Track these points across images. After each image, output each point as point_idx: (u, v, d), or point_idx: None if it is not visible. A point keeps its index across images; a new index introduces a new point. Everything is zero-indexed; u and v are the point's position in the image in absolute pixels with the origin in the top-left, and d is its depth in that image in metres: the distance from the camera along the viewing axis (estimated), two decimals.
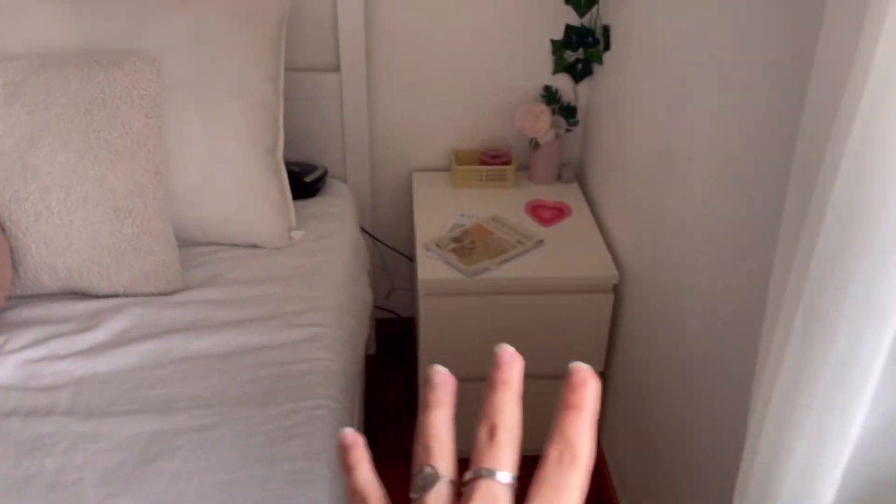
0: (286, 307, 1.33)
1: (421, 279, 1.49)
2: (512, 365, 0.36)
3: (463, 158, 1.86)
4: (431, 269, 1.51)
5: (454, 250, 1.54)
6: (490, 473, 0.33)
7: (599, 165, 1.74)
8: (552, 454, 0.33)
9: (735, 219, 1.07)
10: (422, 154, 1.89)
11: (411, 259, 1.93)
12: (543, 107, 1.74)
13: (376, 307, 2.11)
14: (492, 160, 1.81)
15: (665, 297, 1.34)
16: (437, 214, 1.70)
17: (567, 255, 1.55)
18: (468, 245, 1.56)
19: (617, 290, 1.55)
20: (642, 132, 1.45)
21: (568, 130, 1.81)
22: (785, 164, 0.87)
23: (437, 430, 0.35)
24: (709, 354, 1.18)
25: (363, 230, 1.89)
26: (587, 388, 0.36)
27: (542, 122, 1.73)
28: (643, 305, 1.45)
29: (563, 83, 1.80)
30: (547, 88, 1.79)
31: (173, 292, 1.35)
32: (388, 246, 1.99)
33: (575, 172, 1.87)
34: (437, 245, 1.56)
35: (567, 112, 1.79)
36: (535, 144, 1.78)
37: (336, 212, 1.66)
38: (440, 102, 1.82)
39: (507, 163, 1.81)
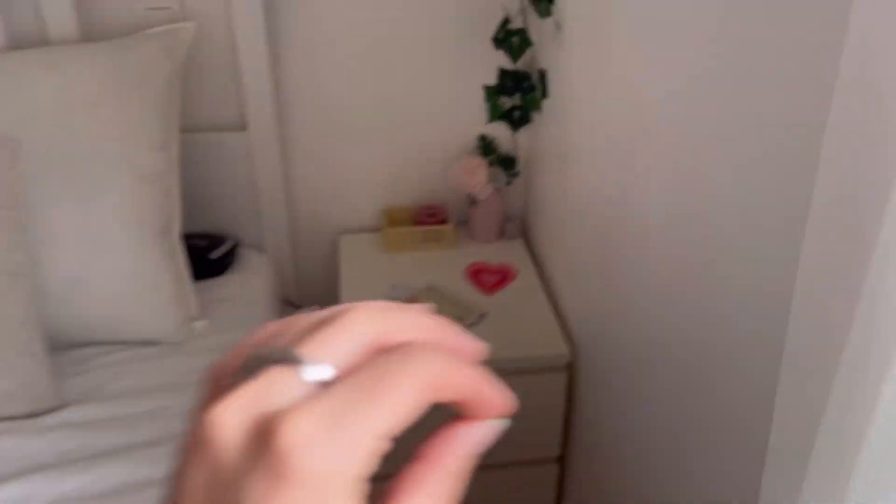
0: (182, 424, 1.11)
1: None
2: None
3: (396, 217, 1.67)
4: None
5: None
6: (289, 356, 0.22)
7: (545, 221, 1.57)
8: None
9: (710, 295, 0.91)
10: (349, 215, 1.70)
11: None
12: (479, 160, 1.57)
13: None
14: (428, 219, 1.62)
15: (626, 377, 1.17)
16: (366, 286, 1.50)
17: (512, 329, 1.37)
18: None
19: (570, 369, 1.37)
20: (590, 184, 1.28)
21: (508, 183, 1.64)
22: (779, 228, 0.70)
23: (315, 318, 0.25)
24: (680, 445, 1.00)
25: (288, 302, 1.68)
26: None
27: (478, 176, 1.55)
28: (601, 385, 1.28)
29: (500, 132, 1.63)
30: (482, 138, 1.62)
31: (45, 412, 1.12)
32: None
33: (519, 227, 1.70)
34: None
35: (506, 163, 1.62)
36: (472, 201, 1.61)
37: (249, 292, 1.45)
38: (367, 157, 1.63)
39: (443, 221, 1.63)
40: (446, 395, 0.24)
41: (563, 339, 1.35)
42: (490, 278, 1.52)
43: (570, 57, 1.33)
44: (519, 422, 1.37)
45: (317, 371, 0.22)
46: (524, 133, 1.64)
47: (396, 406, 0.22)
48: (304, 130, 1.58)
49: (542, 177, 1.57)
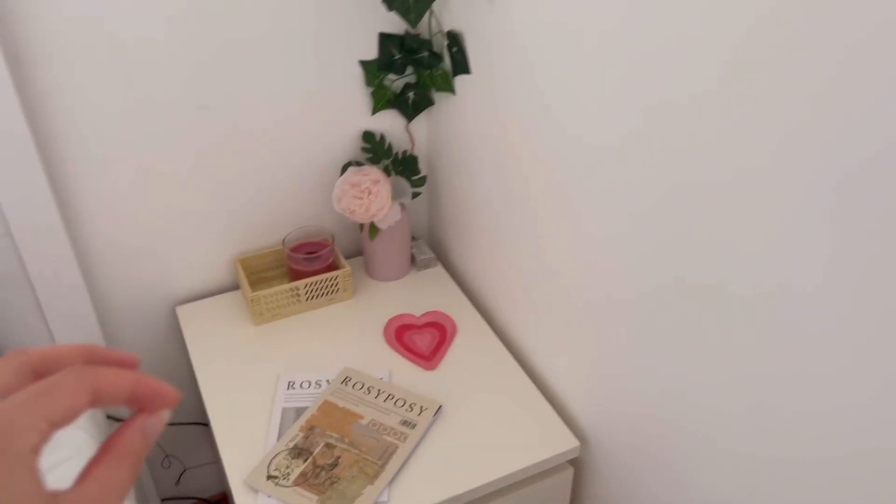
0: None
1: None
2: (132, 368, 0.31)
3: (256, 268, 1.15)
4: None
5: (304, 480, 0.86)
6: None
7: (475, 243, 1.13)
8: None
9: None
10: (186, 274, 1.14)
11: (203, 424, 1.22)
12: (376, 173, 1.08)
13: (165, 500, 1.36)
14: (307, 266, 1.12)
15: (652, 467, 0.80)
16: (243, 395, 0.99)
17: (487, 427, 0.94)
18: (324, 460, 0.89)
19: (577, 464, 0.98)
20: (566, 193, 0.86)
21: (416, 195, 1.17)
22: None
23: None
24: None
25: (113, 419, 1.12)
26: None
27: (380, 197, 1.07)
28: (616, 481, 0.90)
29: (390, 123, 1.15)
30: (367, 137, 1.13)
31: None
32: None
33: (429, 250, 1.25)
34: (273, 477, 0.87)
35: (406, 167, 1.15)
36: (372, 230, 1.12)
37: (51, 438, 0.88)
38: (201, 186, 1.08)
39: (331, 265, 1.13)
40: (112, 397, 0.28)
41: (559, 421, 0.95)
42: (423, 340, 1.07)
43: (509, 14, 0.87)
44: None
45: None
46: (421, 122, 1.17)
47: (61, 403, 0.26)
48: (90, 158, 0.99)
49: (461, 182, 1.12)
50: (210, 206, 1.10)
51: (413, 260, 1.21)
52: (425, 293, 1.16)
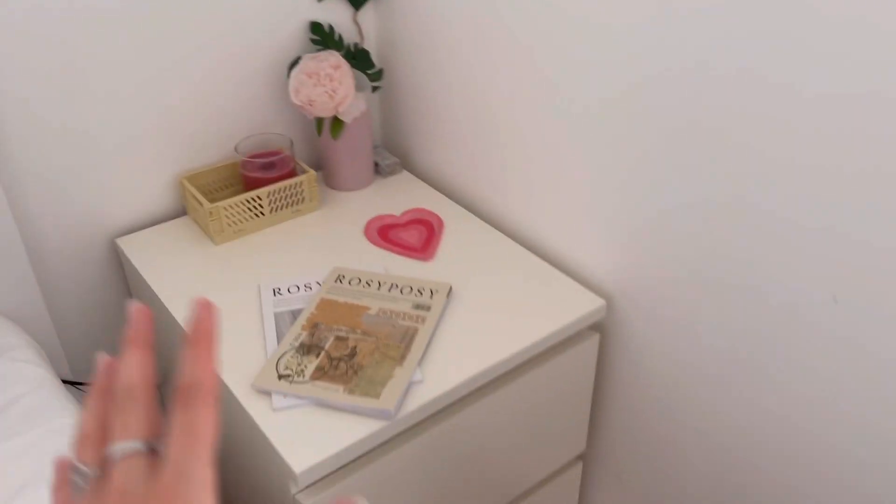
0: None
1: (299, 471, 0.67)
2: (139, 321, 0.30)
3: (205, 188, 1.02)
4: (307, 437, 0.70)
5: (322, 374, 0.75)
6: (113, 454, 0.27)
7: (448, 137, 1.05)
8: (177, 395, 0.28)
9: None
10: (121, 200, 0.99)
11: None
12: (335, 57, 0.98)
13: None
14: (265, 172, 1.00)
15: (677, 330, 0.77)
16: (225, 313, 0.86)
17: (502, 300, 0.87)
18: (339, 352, 0.78)
19: (604, 330, 0.92)
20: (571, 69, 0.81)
21: (375, 89, 1.08)
22: None
23: (90, 406, 0.30)
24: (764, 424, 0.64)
25: (69, 383, 0.95)
26: (206, 319, 0.30)
27: (344, 83, 0.97)
28: (641, 347, 0.86)
29: (335, 15, 1.05)
30: (315, 27, 1.03)
31: None
32: None
33: (389, 154, 1.15)
34: (285, 376, 0.75)
35: (360, 60, 1.05)
36: (335, 127, 1.02)
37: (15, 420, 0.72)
38: (130, 95, 0.93)
39: (292, 173, 1.02)
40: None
41: (581, 287, 0.88)
42: (411, 237, 0.98)
43: None
44: (539, 423, 0.80)
45: (126, 447, 0.27)
46: (369, 13, 1.09)
47: (210, 437, 0.27)
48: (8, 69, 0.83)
49: (425, 76, 1.04)
50: (143, 117, 0.95)
51: (377, 167, 1.12)
52: (398, 197, 1.07)
